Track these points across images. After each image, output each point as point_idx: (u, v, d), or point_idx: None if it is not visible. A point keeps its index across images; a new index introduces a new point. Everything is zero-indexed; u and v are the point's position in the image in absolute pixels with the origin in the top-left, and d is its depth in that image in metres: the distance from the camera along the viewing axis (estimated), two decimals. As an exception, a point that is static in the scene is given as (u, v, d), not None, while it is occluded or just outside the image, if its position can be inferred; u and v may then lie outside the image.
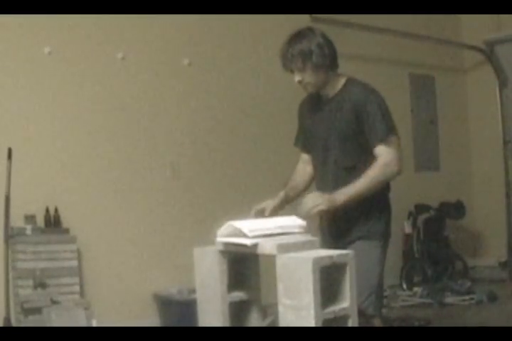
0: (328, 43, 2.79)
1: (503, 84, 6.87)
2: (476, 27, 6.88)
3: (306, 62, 2.75)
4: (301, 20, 5.40)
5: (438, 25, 6.77)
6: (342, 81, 2.84)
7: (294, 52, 2.76)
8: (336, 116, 2.82)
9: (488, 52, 6.83)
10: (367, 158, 2.76)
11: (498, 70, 6.85)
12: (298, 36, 2.81)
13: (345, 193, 2.67)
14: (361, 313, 2.57)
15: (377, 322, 2.74)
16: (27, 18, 4.27)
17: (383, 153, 2.70)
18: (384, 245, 2.82)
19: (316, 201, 2.63)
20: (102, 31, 4.72)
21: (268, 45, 5.49)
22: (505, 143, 6.87)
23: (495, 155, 6.89)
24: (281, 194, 2.96)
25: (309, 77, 2.78)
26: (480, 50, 6.85)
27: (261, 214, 2.87)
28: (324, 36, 2.81)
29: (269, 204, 2.91)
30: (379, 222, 2.82)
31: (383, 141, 2.71)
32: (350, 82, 2.84)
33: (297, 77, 2.80)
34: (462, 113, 7.22)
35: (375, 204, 2.81)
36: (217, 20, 5.18)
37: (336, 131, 2.81)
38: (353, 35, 5.64)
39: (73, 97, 4.59)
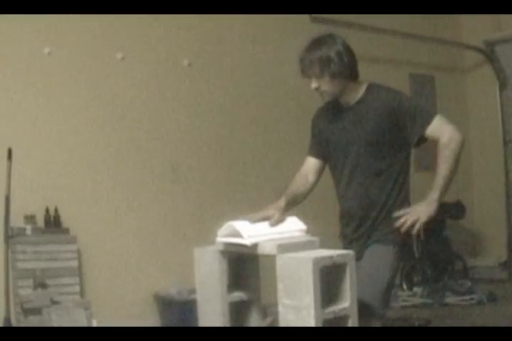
0: (348, 51, 2.74)
1: (503, 84, 6.87)
2: (476, 27, 6.88)
3: (324, 70, 2.70)
4: (301, 20, 5.42)
5: (438, 25, 6.78)
6: (363, 87, 2.80)
7: (313, 58, 2.71)
8: (361, 122, 2.77)
9: (488, 52, 6.83)
10: (394, 162, 2.77)
11: (498, 70, 6.85)
12: (318, 42, 2.75)
13: (436, 188, 2.72)
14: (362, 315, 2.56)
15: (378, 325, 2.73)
16: (27, 18, 4.27)
17: (439, 134, 2.74)
18: (399, 251, 2.78)
19: (414, 216, 2.67)
20: (102, 31, 4.72)
21: (268, 45, 5.50)
22: (505, 143, 6.87)
23: (495, 155, 6.89)
24: (282, 204, 2.83)
25: (326, 84, 2.74)
26: (480, 50, 6.85)
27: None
28: (345, 44, 2.76)
29: (274, 215, 2.75)
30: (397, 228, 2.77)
31: (430, 123, 2.73)
32: (373, 87, 2.80)
33: (314, 84, 2.75)
34: (462, 113, 7.22)
35: (396, 210, 2.78)
36: (217, 20, 5.18)
37: (362, 137, 2.76)
38: (353, 35, 5.63)
39: (73, 97, 4.59)
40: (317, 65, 2.71)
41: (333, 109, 2.89)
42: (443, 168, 2.75)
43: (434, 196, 2.71)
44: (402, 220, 2.68)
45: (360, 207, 2.80)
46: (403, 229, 2.67)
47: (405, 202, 2.83)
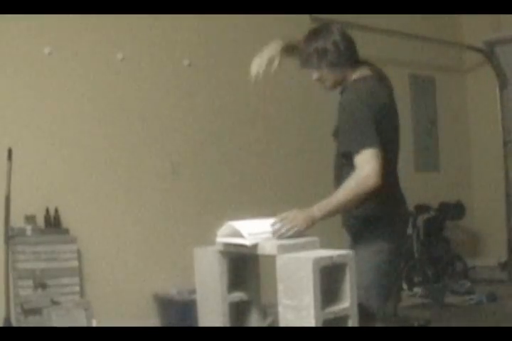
0: (346, 41, 2.74)
1: (503, 84, 6.88)
2: (476, 27, 6.88)
3: (322, 61, 2.71)
4: (301, 20, 5.42)
5: (438, 25, 6.78)
6: (354, 77, 2.76)
7: (310, 50, 2.73)
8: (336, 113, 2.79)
9: (488, 53, 6.83)
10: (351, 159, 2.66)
11: (498, 70, 6.85)
12: (314, 34, 2.76)
13: (321, 209, 2.56)
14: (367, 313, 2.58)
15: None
16: (27, 18, 4.27)
17: (361, 165, 2.57)
18: (388, 250, 2.72)
19: (293, 222, 2.54)
20: (102, 31, 4.72)
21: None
22: (505, 143, 6.87)
23: (495, 155, 6.89)
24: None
25: (326, 75, 2.75)
26: (480, 51, 6.86)
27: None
28: (342, 33, 2.75)
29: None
30: (380, 227, 2.73)
31: (358, 152, 2.57)
32: (355, 81, 2.75)
33: (314, 76, 2.77)
34: (462, 113, 7.22)
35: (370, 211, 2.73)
36: (217, 20, 5.18)
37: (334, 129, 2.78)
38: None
39: (73, 97, 4.59)
40: (314, 56, 2.72)
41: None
42: (344, 194, 2.55)
43: (317, 215, 2.55)
44: (276, 226, 2.54)
45: None
46: (276, 235, 2.53)
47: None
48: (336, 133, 2.77)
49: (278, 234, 2.54)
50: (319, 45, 2.72)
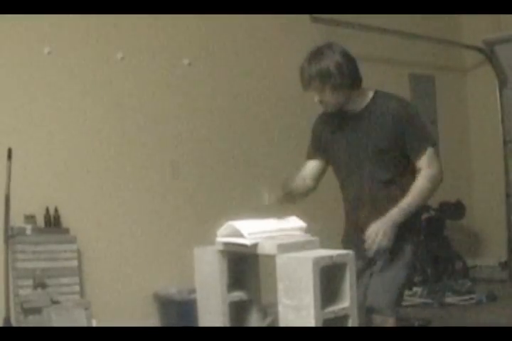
0: (348, 61, 2.70)
1: (503, 84, 6.87)
2: (476, 27, 6.88)
3: (325, 84, 2.68)
4: (301, 20, 5.43)
5: (438, 25, 6.78)
6: (369, 95, 2.78)
7: (312, 73, 2.68)
8: (370, 130, 2.76)
9: (488, 52, 6.83)
10: (404, 170, 2.76)
11: (498, 70, 6.84)
12: (316, 55, 2.71)
13: (404, 213, 2.67)
14: (377, 312, 2.63)
15: (391, 322, 2.74)
16: (27, 18, 4.27)
17: (426, 165, 2.71)
18: (415, 249, 2.81)
19: (378, 236, 2.63)
20: (102, 31, 4.71)
21: (268, 45, 5.50)
22: (505, 143, 6.87)
23: (495, 155, 6.89)
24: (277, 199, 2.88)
25: (329, 97, 2.73)
26: (480, 50, 6.85)
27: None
28: (344, 54, 2.71)
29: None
30: (415, 225, 2.81)
31: (424, 153, 2.71)
32: (380, 95, 2.79)
33: (317, 98, 2.75)
34: (462, 113, 7.22)
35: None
36: (217, 20, 5.18)
37: (371, 144, 2.75)
38: (353, 35, 5.63)
39: (73, 97, 4.59)
40: (317, 79, 2.68)
41: (337, 115, 2.85)
42: (422, 195, 2.72)
43: (399, 220, 2.68)
44: (370, 241, 2.65)
45: (373, 215, 2.74)
46: (372, 249, 2.65)
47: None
48: (382, 150, 2.75)
49: (374, 248, 2.64)
50: (322, 67, 2.67)
